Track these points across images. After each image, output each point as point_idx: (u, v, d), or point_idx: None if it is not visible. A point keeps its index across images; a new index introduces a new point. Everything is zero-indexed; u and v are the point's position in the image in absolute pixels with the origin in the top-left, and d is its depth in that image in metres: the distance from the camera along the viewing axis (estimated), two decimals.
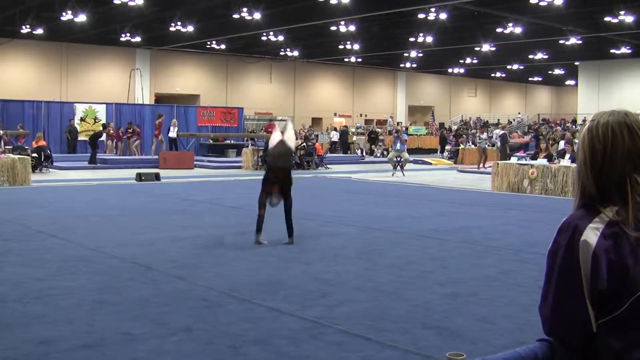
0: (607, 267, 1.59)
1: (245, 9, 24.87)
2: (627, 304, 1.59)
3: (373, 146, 35.81)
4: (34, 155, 19.92)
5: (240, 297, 5.23)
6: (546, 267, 1.68)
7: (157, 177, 18.20)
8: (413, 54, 37.04)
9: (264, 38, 31.71)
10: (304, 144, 25.17)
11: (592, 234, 1.61)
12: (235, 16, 25.58)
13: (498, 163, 17.00)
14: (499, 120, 44.78)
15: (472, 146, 30.44)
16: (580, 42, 31.70)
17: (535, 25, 27.47)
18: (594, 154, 1.67)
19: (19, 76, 33.13)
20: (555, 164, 15.66)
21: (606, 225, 1.62)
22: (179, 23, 27.28)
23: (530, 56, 36.84)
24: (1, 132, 21.21)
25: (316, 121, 43.00)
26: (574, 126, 38.82)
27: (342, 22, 27.95)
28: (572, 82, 48.43)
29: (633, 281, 1.59)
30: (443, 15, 25.81)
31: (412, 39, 31.92)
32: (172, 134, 25.72)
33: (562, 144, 23.51)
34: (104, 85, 34.87)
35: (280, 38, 31.75)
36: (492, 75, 49.03)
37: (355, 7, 24.29)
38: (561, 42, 32.01)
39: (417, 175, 21.52)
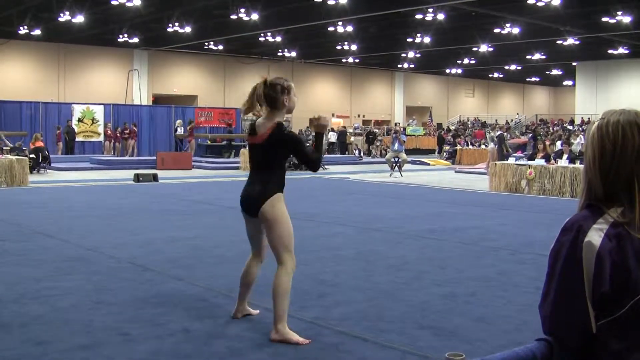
0: (610, 269, 1.58)
1: (242, 10, 24.90)
2: (628, 306, 1.58)
3: (371, 147, 35.82)
4: (32, 156, 19.91)
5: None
6: (548, 266, 1.68)
7: (154, 177, 18.19)
8: (411, 54, 37.08)
9: (261, 39, 31.72)
10: None
11: (596, 235, 1.60)
12: (233, 17, 25.59)
13: (496, 163, 17.02)
14: (496, 120, 44.83)
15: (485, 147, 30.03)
16: (577, 42, 31.77)
17: (532, 25, 27.52)
18: (603, 153, 1.65)
19: (16, 77, 33.11)
20: (552, 164, 15.67)
21: (610, 226, 1.61)
22: (176, 24, 27.30)
23: (528, 56, 36.91)
24: None
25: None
26: (571, 126, 38.84)
27: (340, 23, 27.98)
28: (569, 83, 48.52)
29: (635, 283, 1.58)
30: (441, 16, 25.86)
31: (409, 40, 31.97)
32: (178, 133, 26.77)
33: (559, 144, 23.55)
34: (102, 86, 34.87)
35: (278, 39, 31.76)
36: (490, 75, 49.10)
37: (353, 7, 24.32)
38: (559, 42, 32.07)
39: (414, 175, 21.54)
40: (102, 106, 28.32)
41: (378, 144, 35.84)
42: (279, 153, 4.51)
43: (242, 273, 4.99)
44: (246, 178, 4.83)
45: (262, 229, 4.69)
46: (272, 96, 4.42)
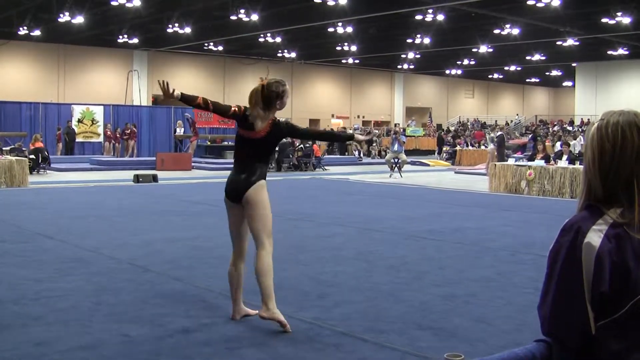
0: (609, 270, 1.58)
1: (242, 11, 24.91)
2: (627, 307, 1.58)
3: (370, 147, 35.82)
4: (32, 156, 19.90)
5: None
6: (547, 267, 1.67)
7: (154, 178, 18.18)
8: (410, 55, 37.10)
9: (261, 39, 31.73)
10: (302, 145, 25.11)
11: (595, 236, 1.60)
12: (233, 17, 25.60)
13: (495, 164, 17.02)
14: (496, 121, 44.85)
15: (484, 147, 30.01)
16: (577, 43, 31.79)
17: (532, 26, 27.54)
18: (603, 154, 1.65)
19: (16, 78, 33.12)
20: (552, 165, 15.68)
21: (610, 227, 1.61)
22: (176, 24, 27.31)
23: (528, 57, 36.92)
24: None
25: (314, 122, 43.02)
26: (570, 127, 38.87)
27: (340, 24, 27.99)
28: (569, 84, 48.54)
29: (634, 284, 1.58)
30: (440, 17, 25.87)
31: (409, 41, 31.98)
32: (178, 134, 26.85)
33: (558, 145, 23.56)
34: (102, 87, 34.88)
35: (278, 39, 31.79)
36: (490, 76, 49.12)
37: (353, 8, 24.33)
38: (558, 43, 32.09)
39: (414, 176, 21.53)
40: (101, 107, 28.31)
41: (375, 145, 35.84)
42: (273, 146, 5.07)
43: (228, 275, 5.00)
44: None
45: (244, 216, 4.87)
46: (268, 99, 4.87)
